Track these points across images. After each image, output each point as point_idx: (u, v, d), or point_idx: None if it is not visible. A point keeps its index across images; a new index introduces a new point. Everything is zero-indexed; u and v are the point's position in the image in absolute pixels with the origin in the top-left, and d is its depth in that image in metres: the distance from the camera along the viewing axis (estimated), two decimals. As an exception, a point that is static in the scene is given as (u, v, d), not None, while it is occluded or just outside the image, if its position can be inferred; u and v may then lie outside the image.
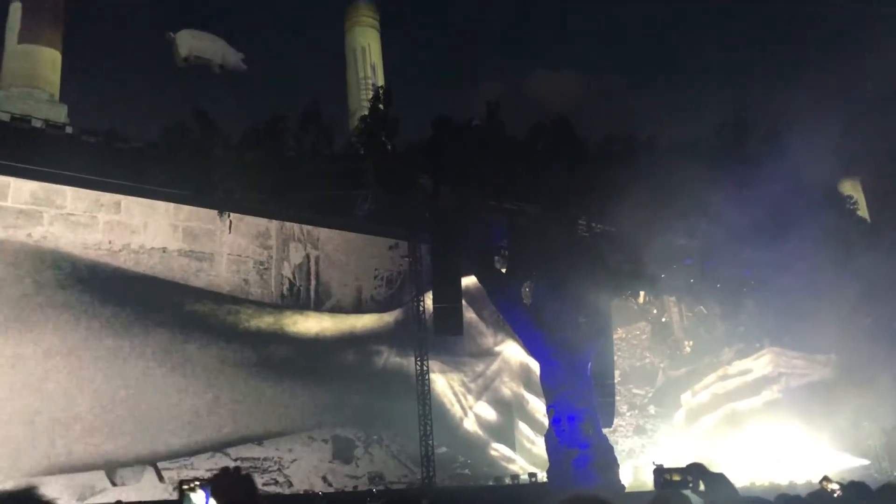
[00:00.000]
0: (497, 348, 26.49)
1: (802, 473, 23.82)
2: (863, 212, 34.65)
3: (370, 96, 20.82)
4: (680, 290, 26.38)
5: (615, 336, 25.16)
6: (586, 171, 18.89)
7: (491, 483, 22.73)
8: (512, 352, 26.52)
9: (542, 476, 21.52)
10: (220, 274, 21.07)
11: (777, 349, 30.49)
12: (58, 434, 17.44)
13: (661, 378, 31.63)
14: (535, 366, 23.10)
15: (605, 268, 20.18)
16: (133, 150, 18.47)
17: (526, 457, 25.36)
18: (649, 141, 21.01)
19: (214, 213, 19.97)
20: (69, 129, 19.13)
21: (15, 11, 22.89)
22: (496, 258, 22.39)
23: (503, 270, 22.12)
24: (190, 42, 25.00)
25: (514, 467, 24.66)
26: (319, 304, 22.79)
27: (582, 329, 20.67)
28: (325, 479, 21.07)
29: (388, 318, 23.89)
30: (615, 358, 23.97)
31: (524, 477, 22.82)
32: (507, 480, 22.76)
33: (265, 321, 21.50)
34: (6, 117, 18.27)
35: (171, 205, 20.24)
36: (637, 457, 27.94)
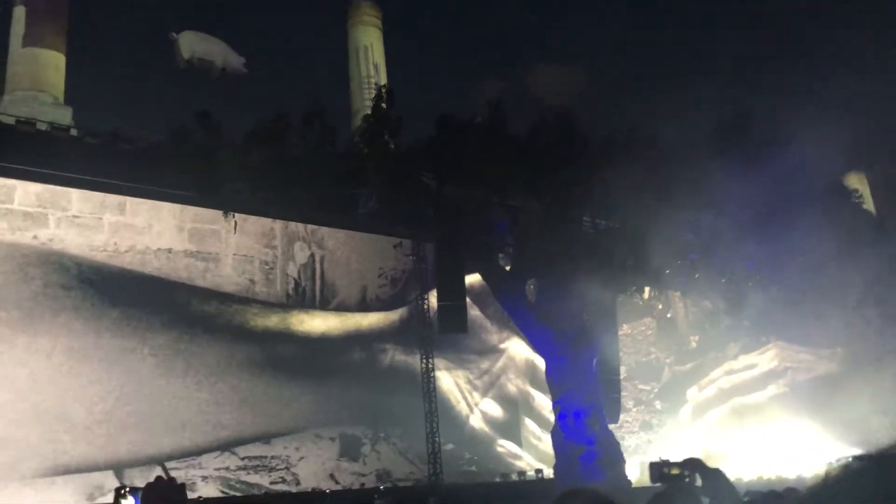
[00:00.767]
0: (502, 345, 26.54)
1: (810, 467, 23.81)
2: (868, 205, 34.56)
3: (373, 95, 20.84)
4: (685, 285, 26.36)
5: (620, 332, 25.18)
6: (589, 166, 18.89)
7: (497, 479, 22.80)
8: (517, 349, 26.56)
9: (549, 472, 21.57)
10: (226, 274, 21.16)
11: (783, 343, 30.45)
12: (66, 434, 17.56)
13: (667, 373, 31.63)
14: (540, 362, 23.14)
15: (610, 264, 20.17)
16: (138, 152, 18.56)
17: (532, 453, 25.42)
18: (653, 135, 20.98)
19: (219, 213, 20.04)
20: (74, 132, 19.24)
21: (19, 15, 22.98)
22: (500, 255, 22.43)
23: (507, 268, 22.16)
24: (193, 43, 25.09)
25: (520, 464, 24.72)
26: (325, 303, 22.87)
27: (587, 325, 20.70)
28: (332, 476, 21.16)
29: (394, 316, 23.96)
30: (620, 354, 23.99)
31: (531, 473, 22.88)
32: (514, 477, 22.84)
33: (271, 321, 21.59)
34: (11, 121, 18.37)
35: (177, 206, 20.32)
36: (643, 452, 27.96)
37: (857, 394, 27.19)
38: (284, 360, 21.32)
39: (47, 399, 17.54)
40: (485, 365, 25.88)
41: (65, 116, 21.12)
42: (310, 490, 19.89)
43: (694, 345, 31.96)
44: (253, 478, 19.91)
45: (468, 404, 24.95)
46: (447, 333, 20.72)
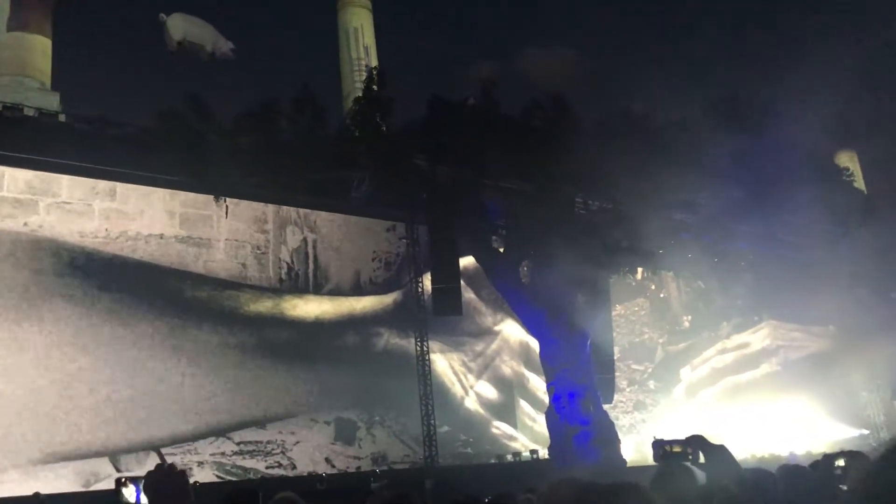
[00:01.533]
0: (496, 327, 26.58)
1: (802, 444, 24.01)
2: (859, 183, 34.68)
3: (364, 78, 20.70)
4: (678, 265, 26.43)
5: (614, 312, 25.27)
6: (582, 148, 18.84)
7: (493, 461, 22.88)
8: (511, 330, 26.61)
9: (544, 453, 21.66)
10: (219, 259, 21.07)
11: (775, 322, 30.63)
12: (60, 422, 17.52)
13: (661, 353, 31.78)
14: (534, 344, 23.19)
15: (603, 245, 20.21)
16: (127, 137, 18.39)
17: (527, 434, 25.54)
18: (645, 116, 20.95)
19: (211, 198, 19.92)
20: (62, 117, 19.02)
21: (3, 0, 22.66)
22: (493, 237, 22.41)
23: (501, 250, 22.15)
24: (183, 26, 24.82)
25: (515, 445, 24.83)
26: (318, 287, 22.82)
27: (580, 306, 20.75)
28: (328, 460, 21.21)
29: (388, 299, 23.93)
30: (614, 334, 24.09)
31: (526, 454, 22.97)
32: (510, 458, 22.92)
33: (265, 305, 21.53)
34: (-2, 107, 18.16)
35: (167, 191, 20.19)
36: (638, 432, 28.14)
37: (849, 371, 27.40)
38: (278, 345, 21.30)
39: (41, 386, 17.49)
40: (479, 347, 25.93)
41: (52, 102, 20.87)
42: (306, 474, 19.92)
43: (687, 324, 32.11)
44: (249, 463, 19.94)
45: (463, 386, 25.01)
46: (441, 316, 20.74)
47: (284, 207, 22.45)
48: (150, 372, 19.01)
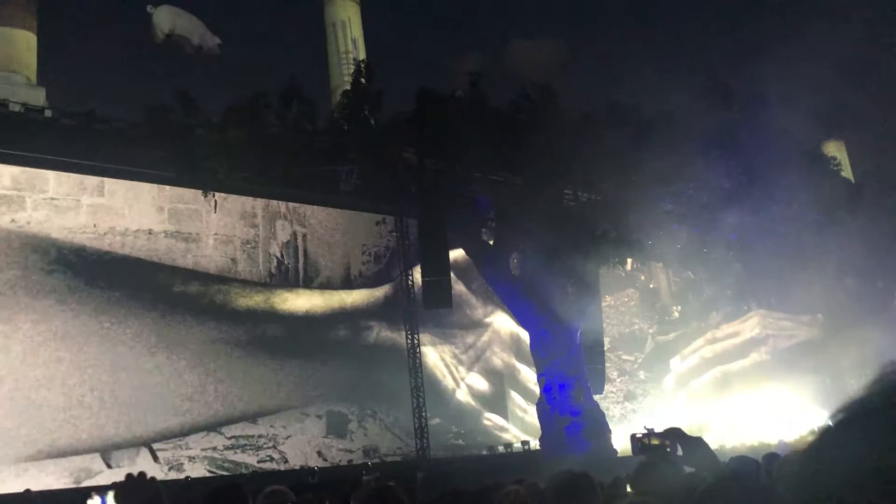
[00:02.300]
0: (487, 319, 26.65)
1: (791, 432, 24.19)
2: (847, 172, 34.85)
3: (352, 71, 20.65)
4: (667, 255, 26.54)
5: (604, 303, 25.36)
6: (570, 139, 18.87)
7: (485, 452, 22.98)
8: (502, 322, 26.69)
9: (535, 444, 21.77)
10: (208, 254, 21.02)
11: (764, 311, 30.80)
12: (50, 418, 17.48)
13: (650, 343, 31.94)
14: (525, 336, 23.27)
15: (592, 236, 20.26)
16: (114, 132, 18.29)
17: (518, 425, 25.65)
18: (632, 108, 20.99)
19: (199, 193, 19.86)
20: (48, 113, 18.90)
21: (-13, -6, 22.48)
22: (483, 230, 22.44)
23: (490, 242, 22.18)
24: (171, 18, 24.70)
25: (507, 436, 24.94)
26: (308, 281, 22.82)
27: (570, 298, 20.81)
28: (320, 453, 21.25)
29: (378, 293, 23.96)
30: (604, 325, 24.19)
31: (517, 445, 23.10)
32: (501, 449, 23.04)
33: (255, 300, 21.51)
34: (-17, 103, 18.03)
35: (156, 186, 20.11)
36: (629, 422, 28.29)
37: (837, 359, 27.59)
38: (269, 339, 21.29)
39: (31, 383, 17.43)
40: (470, 339, 26.00)
41: (38, 97, 20.75)
42: (298, 468, 19.96)
43: (677, 314, 32.27)
44: (240, 457, 19.96)
45: (454, 379, 25.08)
46: (432, 309, 20.76)
47: (274, 202, 22.41)
48: (140, 367, 18.97)
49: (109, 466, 17.89)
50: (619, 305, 31.55)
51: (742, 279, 25.49)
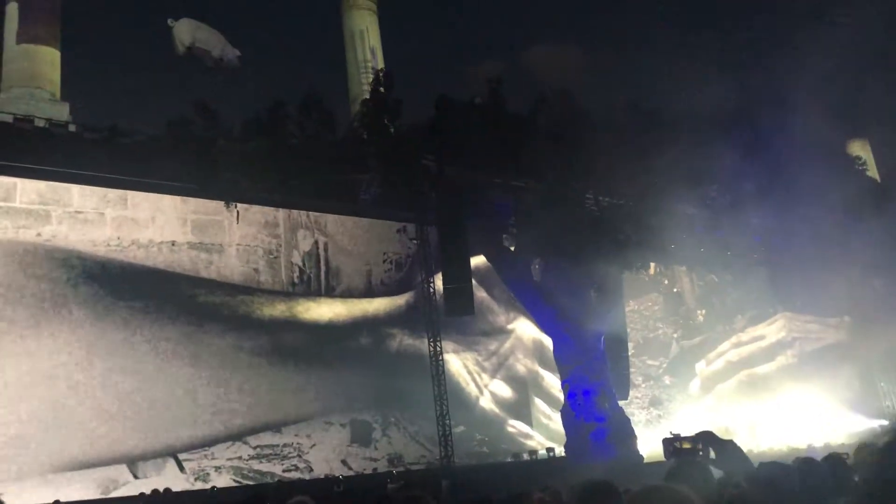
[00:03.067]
0: (509, 326, 26.54)
1: (820, 437, 23.84)
2: (872, 172, 34.38)
3: (371, 80, 20.72)
4: (690, 259, 26.31)
5: (627, 308, 25.17)
6: (591, 144, 18.79)
7: (509, 459, 22.87)
8: (524, 329, 26.57)
9: (560, 451, 21.63)
10: (231, 264, 21.15)
11: (790, 314, 30.42)
12: (77, 429, 17.63)
13: (675, 348, 31.63)
14: (548, 342, 23.16)
15: (615, 241, 20.15)
16: (137, 145, 18.50)
17: (543, 432, 25.49)
18: (654, 110, 20.87)
19: (221, 204, 20.00)
20: (72, 127, 19.14)
21: (12, 11, 22.82)
22: (504, 236, 22.39)
23: (511, 248, 22.12)
24: (192, 31, 24.92)
25: (531, 443, 24.78)
26: (330, 290, 22.87)
27: (593, 303, 20.70)
28: (344, 462, 21.24)
29: (400, 300, 23.95)
30: (628, 330, 24.00)
31: (542, 452, 22.94)
32: (526, 456, 22.89)
33: (278, 309, 21.59)
34: (9, 118, 18.29)
35: (178, 198, 20.28)
36: (654, 427, 28.03)
37: (866, 361, 27.18)
38: (292, 349, 21.35)
39: (58, 395, 17.61)
40: (493, 346, 25.90)
41: (62, 112, 21.02)
42: (322, 477, 19.97)
43: (701, 318, 31.94)
44: (265, 466, 20.00)
45: (477, 386, 24.99)
46: (454, 316, 20.73)
47: (295, 212, 22.51)
48: (165, 378, 19.10)
49: (136, 477, 18.01)
50: (642, 310, 31.30)
51: (767, 282, 25.18)
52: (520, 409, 25.79)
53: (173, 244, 20.24)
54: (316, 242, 22.94)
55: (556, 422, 23.09)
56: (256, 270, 21.61)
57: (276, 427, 20.57)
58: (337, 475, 19.72)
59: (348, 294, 23.09)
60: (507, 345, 26.35)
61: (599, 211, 21.41)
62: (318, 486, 18.66)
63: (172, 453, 18.72)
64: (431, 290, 22.46)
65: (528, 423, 25.74)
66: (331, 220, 23.25)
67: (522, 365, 26.47)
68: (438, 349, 21.83)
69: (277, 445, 20.42)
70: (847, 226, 21.89)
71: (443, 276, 20.38)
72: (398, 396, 22.56)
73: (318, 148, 18.49)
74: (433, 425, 21.51)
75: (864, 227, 21.29)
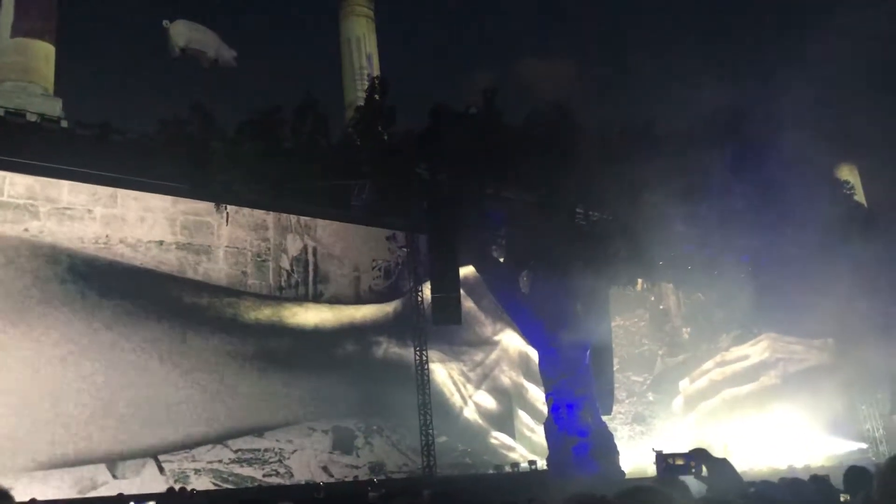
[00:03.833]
0: (496, 337, 26.54)
1: (801, 458, 23.96)
2: (860, 197, 34.73)
3: (366, 87, 20.75)
4: (678, 276, 26.42)
5: (613, 324, 25.22)
6: (583, 158, 18.87)
7: (491, 471, 22.83)
8: (511, 341, 26.58)
9: (542, 464, 21.62)
10: (219, 266, 21.06)
11: (774, 335, 30.60)
12: (58, 428, 17.47)
13: (660, 365, 31.72)
14: (533, 354, 23.16)
15: (603, 256, 20.21)
16: (129, 143, 18.43)
17: (526, 445, 25.47)
18: (646, 127, 20.99)
19: (211, 205, 19.93)
20: (64, 123, 19.06)
21: (7, 4, 22.73)
22: (494, 247, 22.42)
23: (501, 260, 22.15)
24: (186, 33, 24.85)
25: (514, 455, 24.76)
26: (318, 295, 22.81)
27: (580, 317, 20.74)
28: (325, 469, 21.14)
29: (388, 308, 23.91)
30: (613, 345, 24.05)
31: (524, 465, 22.93)
32: (508, 468, 22.87)
33: (264, 313, 21.51)
34: (0, 112, 18.19)
35: (168, 198, 20.21)
36: (637, 443, 28.06)
37: (848, 384, 27.35)
38: (277, 353, 21.26)
39: (39, 392, 17.45)
40: (479, 357, 25.89)
41: (54, 108, 20.92)
42: (303, 483, 19.86)
43: (686, 336, 32.06)
44: (246, 470, 19.88)
45: (462, 396, 24.96)
46: (441, 325, 20.71)
47: (285, 215, 22.46)
48: (148, 379, 18.97)
49: (115, 477, 17.85)
50: (628, 326, 31.37)
51: (753, 302, 25.31)
52: (503, 420, 25.77)
53: (161, 244, 20.15)
54: (305, 247, 22.89)
55: (539, 434, 23.08)
56: (244, 273, 21.53)
57: (258, 431, 20.46)
58: (318, 482, 19.62)
59: (336, 300, 23.04)
60: (493, 356, 26.35)
61: (589, 225, 21.49)
62: (298, 492, 18.57)
63: (153, 454, 18.58)
64: (419, 298, 22.44)
65: (512, 435, 25.71)
66: (320, 225, 23.22)
67: (507, 377, 26.46)
68: (424, 358, 21.80)
69: (259, 450, 20.31)
70: (834, 249, 22.06)
71: (431, 285, 20.37)
72: (382, 404, 22.50)
73: (312, 153, 18.47)
74: (416, 434, 21.47)
75: (851, 251, 21.47)
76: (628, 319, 31.42)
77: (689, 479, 3.04)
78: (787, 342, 30.68)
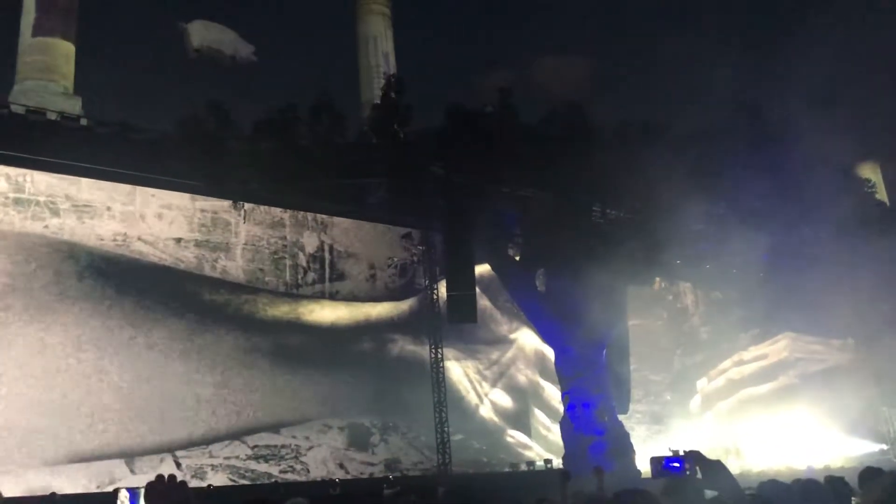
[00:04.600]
0: (512, 336, 26.50)
1: (820, 459, 23.70)
2: (881, 195, 34.30)
3: (382, 85, 20.76)
4: (696, 275, 26.22)
5: (630, 322, 25.09)
6: (599, 157, 18.78)
7: (507, 469, 22.80)
8: (526, 339, 26.53)
9: (558, 462, 21.54)
10: (236, 263, 21.19)
11: (793, 334, 30.27)
12: (78, 423, 17.66)
13: (677, 364, 31.53)
14: (549, 353, 23.10)
15: (620, 254, 20.09)
16: (147, 142, 18.57)
17: (542, 443, 25.42)
18: (663, 126, 20.85)
19: (228, 203, 20.03)
20: (84, 121, 19.24)
21: (29, 4, 23.00)
22: (510, 246, 22.37)
23: (517, 258, 22.10)
24: (202, 33, 25.04)
25: (529, 454, 24.72)
26: (334, 292, 22.88)
27: (597, 316, 20.61)
28: (341, 466, 21.22)
29: (403, 306, 23.95)
30: (630, 344, 23.91)
31: (540, 463, 22.88)
32: (523, 467, 22.82)
33: (281, 310, 21.61)
34: (22, 110, 18.40)
35: (186, 195, 20.35)
36: (654, 442, 27.90)
37: (868, 385, 27.02)
38: (293, 350, 21.36)
39: (60, 388, 17.64)
40: (494, 355, 25.86)
41: (74, 106, 21.15)
42: (319, 479, 19.94)
43: (705, 336, 31.83)
44: (262, 466, 19.99)
45: (477, 394, 24.95)
46: (456, 323, 20.69)
47: (302, 213, 22.54)
48: (166, 375, 19.12)
49: (133, 472, 18.01)
50: (646, 325, 31.19)
51: (772, 301, 25.07)
52: (519, 419, 25.74)
53: (179, 241, 20.30)
54: (322, 244, 22.97)
55: (555, 433, 23.02)
56: (261, 270, 21.65)
57: (274, 428, 20.57)
58: (334, 478, 19.69)
59: (352, 297, 23.11)
60: (509, 354, 26.31)
61: (606, 223, 21.37)
62: (314, 489, 18.63)
63: (170, 449, 18.73)
64: (435, 296, 22.45)
65: (527, 433, 25.68)
66: (337, 223, 23.28)
67: (523, 375, 26.42)
68: (440, 356, 21.80)
69: (275, 446, 20.42)
70: (854, 248, 21.81)
71: (447, 283, 20.35)
72: (397, 402, 22.54)
73: (328, 151, 18.52)
74: (432, 432, 21.48)
75: (872, 250, 21.21)
76: (646, 318, 31.23)
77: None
78: (806, 342, 30.34)
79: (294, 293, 22.07)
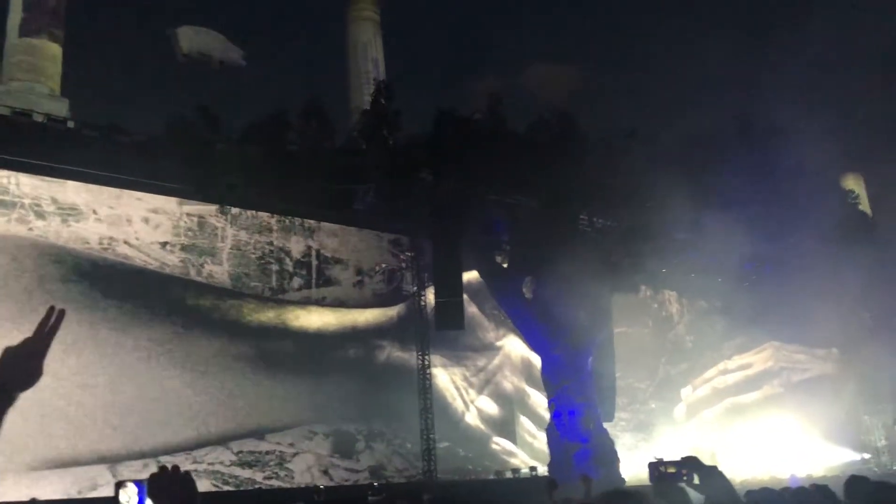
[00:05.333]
0: (499, 343, 26.53)
1: (803, 468, 23.87)
2: (864, 206, 34.67)
3: (372, 91, 20.79)
4: (681, 284, 26.39)
5: (616, 330, 25.20)
6: (588, 165, 18.89)
7: (492, 477, 22.79)
8: (513, 346, 26.56)
9: (543, 470, 21.56)
10: (222, 268, 21.09)
11: (778, 343, 30.53)
12: (60, 428, 17.48)
13: (662, 372, 31.67)
14: (536, 360, 23.15)
15: (606, 262, 20.20)
16: (135, 145, 18.49)
17: (527, 451, 25.42)
18: (650, 135, 21.01)
19: (216, 207, 19.96)
20: (70, 124, 19.13)
21: (16, 5, 22.86)
22: (497, 253, 22.43)
23: (504, 265, 22.15)
24: (191, 37, 24.96)
25: (515, 461, 24.71)
26: (321, 298, 22.82)
27: (583, 323, 20.71)
28: (326, 472, 21.13)
29: (390, 312, 23.91)
30: (616, 352, 24.02)
31: (525, 471, 22.87)
32: (509, 474, 22.82)
33: (267, 315, 21.53)
34: (7, 112, 18.27)
35: (172, 199, 20.25)
36: (638, 450, 27.99)
37: (851, 395, 27.28)
38: (279, 356, 21.27)
39: (41, 392, 17.42)
40: (481, 362, 25.86)
41: (61, 108, 21.01)
42: (303, 486, 19.84)
43: (689, 344, 32.01)
44: (246, 473, 19.87)
45: (464, 401, 24.94)
46: (444, 330, 20.72)
47: (289, 217, 22.49)
48: (150, 380, 18.98)
49: (115, 478, 17.85)
50: (631, 333, 31.31)
51: (756, 310, 25.27)
52: (505, 426, 25.74)
53: (165, 245, 20.19)
54: (309, 250, 22.91)
55: (540, 440, 23.04)
56: (247, 275, 21.56)
57: (258, 434, 20.46)
58: (318, 485, 19.59)
59: (338, 303, 23.05)
60: (496, 361, 26.32)
61: (593, 231, 21.49)
62: (298, 495, 18.53)
63: (153, 455, 18.57)
64: (422, 303, 22.44)
65: (513, 440, 25.68)
66: (324, 228, 23.23)
67: (510, 382, 26.44)
68: (427, 363, 21.79)
69: (260, 452, 20.30)
70: (838, 258, 22.04)
71: (435, 289, 20.38)
72: (384, 409, 22.48)
73: (317, 156, 18.52)
74: (417, 439, 21.45)
75: (855, 261, 21.44)
76: (631, 326, 31.36)
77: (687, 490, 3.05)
78: (790, 351, 30.60)
79: (280, 298, 21.99)
